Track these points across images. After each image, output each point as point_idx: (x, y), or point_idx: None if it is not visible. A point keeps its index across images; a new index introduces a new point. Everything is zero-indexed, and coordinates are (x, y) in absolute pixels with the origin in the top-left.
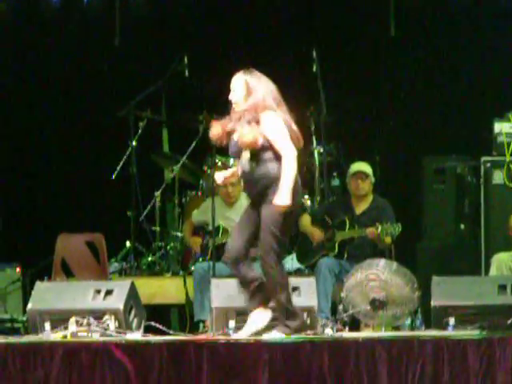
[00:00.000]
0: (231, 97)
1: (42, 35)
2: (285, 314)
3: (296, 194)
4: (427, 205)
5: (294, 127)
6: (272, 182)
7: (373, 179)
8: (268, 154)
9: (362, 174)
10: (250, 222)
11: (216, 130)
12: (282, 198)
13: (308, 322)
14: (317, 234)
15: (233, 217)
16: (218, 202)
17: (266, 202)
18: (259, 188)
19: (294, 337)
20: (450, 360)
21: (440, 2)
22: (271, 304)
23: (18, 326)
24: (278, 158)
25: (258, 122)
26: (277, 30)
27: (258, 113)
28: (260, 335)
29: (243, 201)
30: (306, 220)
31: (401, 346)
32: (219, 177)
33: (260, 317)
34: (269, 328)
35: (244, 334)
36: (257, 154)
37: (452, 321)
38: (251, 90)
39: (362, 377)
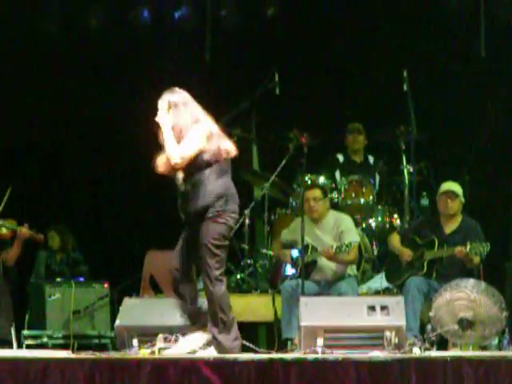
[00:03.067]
0: (157, 118)
1: (133, 51)
2: (219, 327)
3: (231, 211)
4: None
5: (221, 137)
6: (208, 203)
7: (462, 199)
8: (202, 174)
9: (451, 194)
10: (189, 242)
11: (160, 159)
12: (162, 119)
13: (396, 340)
14: (406, 254)
15: (319, 234)
16: (306, 219)
17: (202, 220)
18: (195, 208)
19: (382, 355)
20: None
21: None
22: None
23: (105, 341)
24: (214, 176)
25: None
26: (368, 48)
27: (184, 131)
28: (194, 353)
29: (330, 218)
30: (395, 239)
31: (488, 365)
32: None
33: (196, 338)
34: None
35: (177, 351)
36: (191, 174)
37: None
38: (176, 109)
39: None
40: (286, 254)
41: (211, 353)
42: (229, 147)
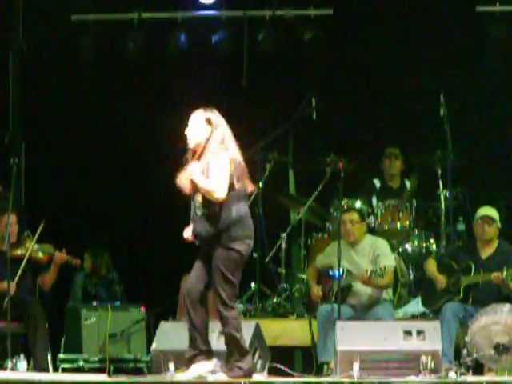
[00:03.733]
0: (187, 132)
1: (170, 75)
2: (237, 354)
3: (246, 237)
4: None
5: (244, 166)
6: (223, 228)
7: (499, 224)
8: (220, 202)
9: (488, 219)
10: (203, 266)
11: (183, 178)
12: (194, 173)
13: (432, 365)
14: (440, 281)
15: (356, 258)
16: (342, 243)
17: (217, 246)
18: (208, 233)
19: (418, 380)
20: None
21: None
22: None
23: (141, 365)
24: (230, 202)
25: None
26: (406, 73)
27: (207, 152)
28: (203, 378)
29: (366, 242)
30: (431, 265)
31: None
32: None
33: (204, 366)
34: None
35: (187, 377)
36: (209, 201)
37: None
38: (209, 128)
39: None
40: (316, 294)
41: (222, 378)
42: (247, 178)
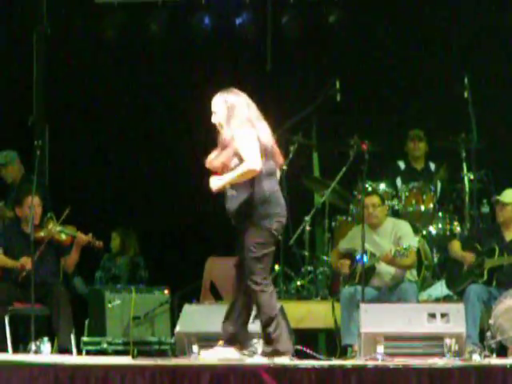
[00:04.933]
0: (213, 119)
1: (194, 58)
2: (272, 333)
3: (276, 215)
4: None
5: (273, 144)
6: (253, 207)
7: None
8: (248, 181)
9: (501, 203)
10: (239, 246)
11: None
12: (216, 182)
13: (456, 348)
14: (468, 258)
15: (378, 240)
16: (365, 226)
17: (247, 225)
18: (238, 212)
19: (442, 362)
20: None
21: None
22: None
23: (165, 348)
24: (258, 179)
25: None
26: (430, 55)
27: (231, 131)
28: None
29: (388, 225)
30: (456, 246)
31: None
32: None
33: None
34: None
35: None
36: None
37: None
38: (232, 110)
39: None
40: (344, 263)
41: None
42: (278, 154)
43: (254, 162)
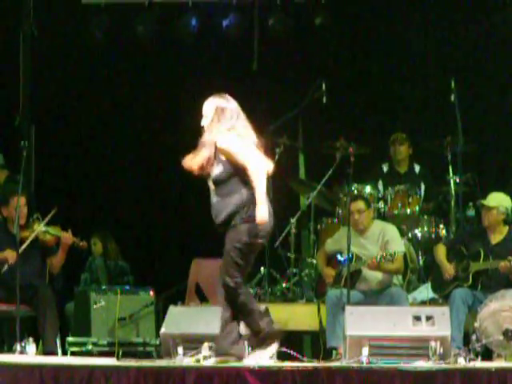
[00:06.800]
0: (203, 122)
1: (181, 59)
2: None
3: (252, 211)
4: None
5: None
6: (235, 210)
7: (501, 210)
8: (230, 186)
9: (485, 208)
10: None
11: (193, 159)
12: (261, 213)
13: (441, 351)
14: (448, 270)
15: (365, 243)
16: (351, 229)
17: (230, 228)
18: (221, 219)
19: (427, 365)
20: None
21: None
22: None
23: (150, 349)
24: (239, 186)
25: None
26: (416, 58)
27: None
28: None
29: (375, 227)
30: (440, 251)
31: None
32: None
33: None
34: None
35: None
36: (220, 187)
37: None
38: (219, 115)
39: None
40: (329, 274)
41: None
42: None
43: (254, 162)
